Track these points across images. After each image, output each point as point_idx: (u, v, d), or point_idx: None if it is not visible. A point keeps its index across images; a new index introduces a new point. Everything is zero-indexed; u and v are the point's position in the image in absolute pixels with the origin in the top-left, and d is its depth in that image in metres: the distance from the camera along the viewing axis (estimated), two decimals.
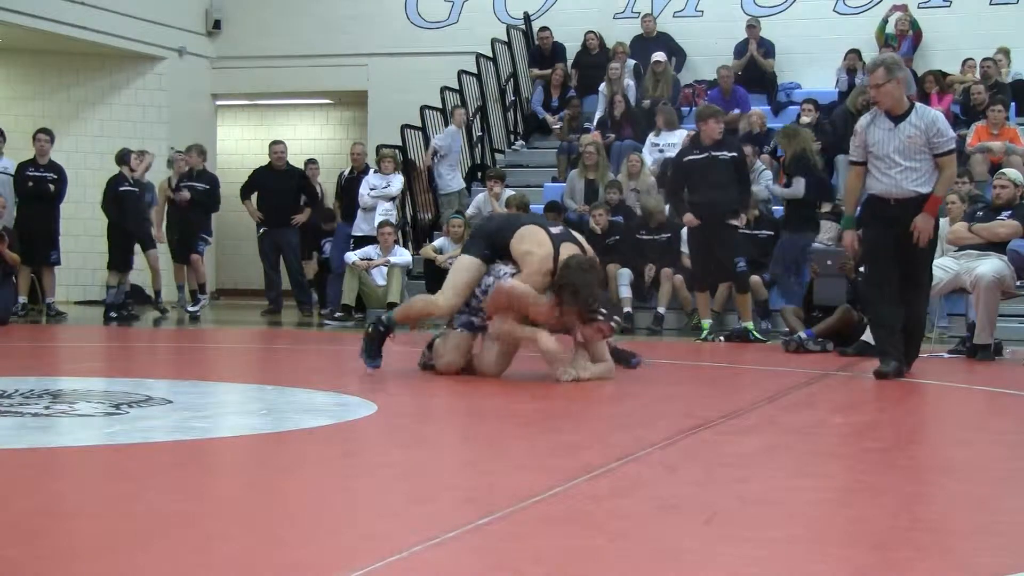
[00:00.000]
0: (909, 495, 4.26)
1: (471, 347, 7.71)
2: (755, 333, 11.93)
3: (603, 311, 7.29)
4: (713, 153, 11.65)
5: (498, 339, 7.52)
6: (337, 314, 14.54)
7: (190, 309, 15.33)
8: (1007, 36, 16.81)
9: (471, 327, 7.69)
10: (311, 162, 17.09)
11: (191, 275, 15.82)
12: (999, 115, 14.70)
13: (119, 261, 15.04)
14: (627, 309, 13.66)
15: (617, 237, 14.05)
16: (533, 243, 7.46)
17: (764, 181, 14.56)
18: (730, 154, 11.76)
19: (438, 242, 14.75)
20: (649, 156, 15.56)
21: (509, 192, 15.27)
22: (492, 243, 7.67)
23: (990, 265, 9.84)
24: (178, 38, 19.58)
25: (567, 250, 7.39)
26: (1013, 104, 15.71)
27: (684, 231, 13.85)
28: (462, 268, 7.70)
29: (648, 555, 3.26)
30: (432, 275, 14.59)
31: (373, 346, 7.78)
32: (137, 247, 15.34)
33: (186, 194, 15.47)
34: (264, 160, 16.56)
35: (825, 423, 6.27)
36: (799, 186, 13.21)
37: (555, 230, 7.60)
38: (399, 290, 14.40)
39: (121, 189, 15.14)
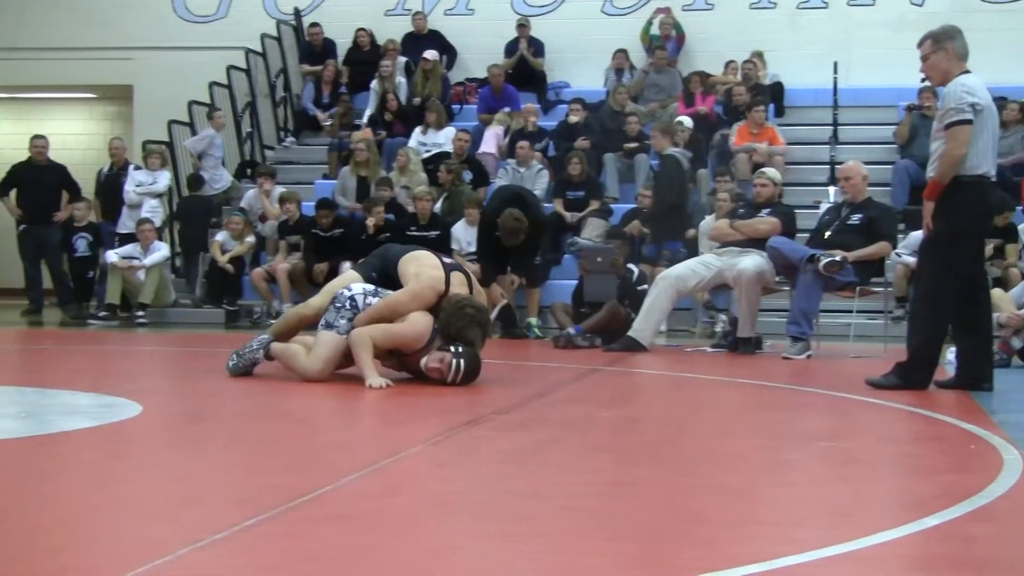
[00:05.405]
0: (675, 487, 4.36)
1: (343, 349, 7.42)
2: (536, 329, 12.07)
3: (451, 348, 7.22)
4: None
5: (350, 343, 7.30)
6: (102, 313, 14.23)
7: None
8: (766, 39, 17.35)
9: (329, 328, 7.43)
10: None
11: None
12: (759, 115, 15.18)
13: None
14: None
15: (388, 235, 13.99)
16: (426, 264, 7.54)
17: (540, 180, 14.74)
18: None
19: (219, 237, 14.62)
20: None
21: (280, 189, 15.15)
22: (384, 266, 7.73)
23: (751, 261, 10.14)
24: None
25: (457, 279, 7.47)
26: (772, 105, 16.24)
27: (455, 229, 13.84)
28: (344, 280, 7.78)
29: (420, 552, 3.28)
30: (216, 272, 14.38)
31: (245, 367, 7.61)
32: None
33: None
34: (24, 155, 16.02)
35: (594, 418, 6.37)
36: None
37: (447, 260, 7.79)
38: (154, 288, 14.13)
39: None
